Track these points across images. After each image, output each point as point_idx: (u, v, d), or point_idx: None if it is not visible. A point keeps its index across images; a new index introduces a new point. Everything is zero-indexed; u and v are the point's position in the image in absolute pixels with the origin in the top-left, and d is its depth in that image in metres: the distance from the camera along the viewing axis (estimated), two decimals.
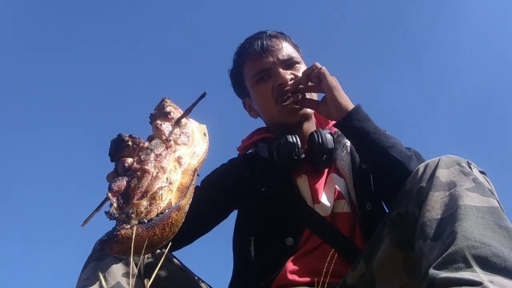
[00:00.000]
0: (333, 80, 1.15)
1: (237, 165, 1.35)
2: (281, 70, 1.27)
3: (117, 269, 0.95)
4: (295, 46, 1.38)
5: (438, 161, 0.91)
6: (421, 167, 0.93)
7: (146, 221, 0.76)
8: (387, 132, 1.12)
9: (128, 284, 0.93)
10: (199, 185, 1.29)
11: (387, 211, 1.19)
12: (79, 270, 0.98)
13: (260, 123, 1.43)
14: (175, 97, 1.01)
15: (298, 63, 1.31)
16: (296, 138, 1.21)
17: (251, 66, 1.32)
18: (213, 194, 1.28)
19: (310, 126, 1.33)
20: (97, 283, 0.92)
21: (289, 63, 1.29)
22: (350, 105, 1.12)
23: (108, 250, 0.75)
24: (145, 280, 0.98)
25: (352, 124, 1.09)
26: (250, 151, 1.39)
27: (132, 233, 0.74)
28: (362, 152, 1.14)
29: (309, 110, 1.29)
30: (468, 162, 0.91)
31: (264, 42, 1.30)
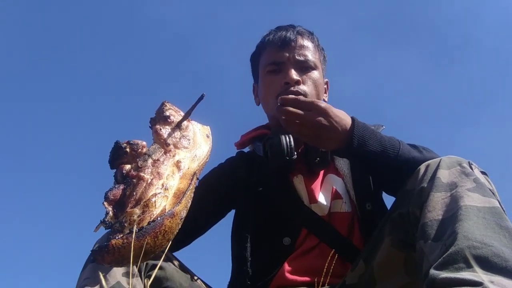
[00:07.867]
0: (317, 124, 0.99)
1: (235, 165, 1.35)
2: (292, 69, 1.26)
3: (117, 269, 0.95)
4: (320, 50, 1.36)
5: (439, 162, 0.90)
6: (422, 167, 0.92)
7: (137, 230, 0.74)
8: (391, 140, 1.02)
9: (128, 284, 0.93)
10: (197, 185, 1.29)
11: (388, 209, 1.19)
12: (79, 270, 0.98)
13: (263, 118, 1.42)
14: (179, 99, 1.00)
15: (313, 68, 1.29)
16: (289, 138, 1.17)
17: (267, 55, 1.32)
18: (210, 194, 1.27)
19: None
20: (97, 283, 0.92)
21: (303, 66, 1.28)
22: (345, 136, 0.99)
23: (100, 260, 0.74)
24: (145, 280, 0.97)
25: (355, 153, 1.00)
26: (248, 150, 1.39)
27: (123, 243, 0.72)
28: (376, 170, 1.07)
29: None
30: (469, 162, 0.90)
31: (287, 36, 1.29)
